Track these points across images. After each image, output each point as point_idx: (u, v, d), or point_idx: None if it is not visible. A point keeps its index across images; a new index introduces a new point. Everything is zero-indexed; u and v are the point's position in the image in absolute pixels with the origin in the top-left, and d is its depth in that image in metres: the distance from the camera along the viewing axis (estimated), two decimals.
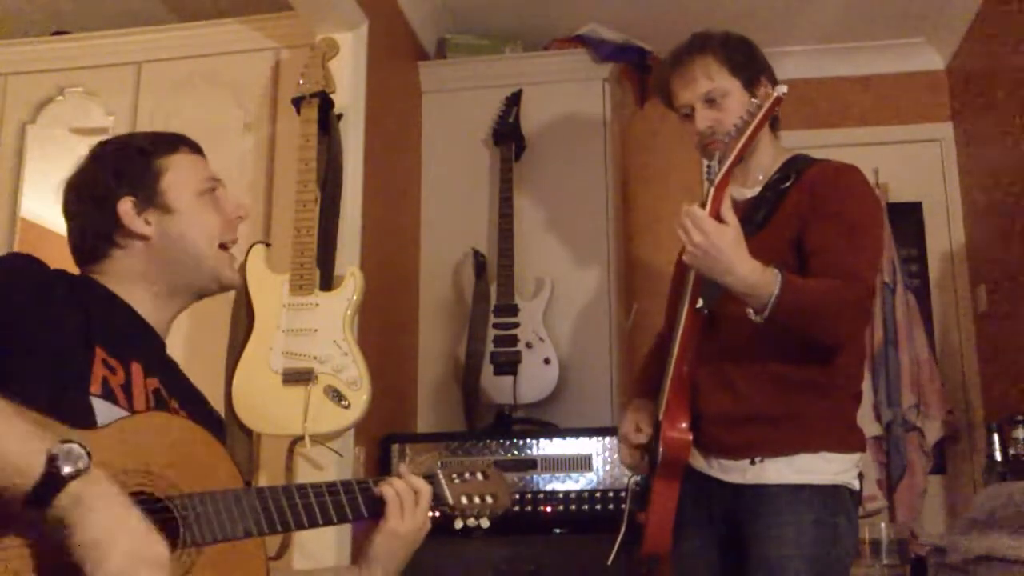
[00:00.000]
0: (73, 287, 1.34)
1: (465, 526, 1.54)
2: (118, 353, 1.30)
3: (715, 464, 1.87)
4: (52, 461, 1.02)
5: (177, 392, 1.41)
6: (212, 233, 1.46)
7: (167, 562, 1.08)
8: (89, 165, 1.46)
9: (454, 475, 1.54)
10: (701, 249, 1.65)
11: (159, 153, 1.46)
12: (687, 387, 1.83)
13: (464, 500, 1.53)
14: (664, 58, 2.05)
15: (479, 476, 1.56)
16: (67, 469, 1.03)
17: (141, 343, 1.39)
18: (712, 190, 1.69)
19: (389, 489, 1.44)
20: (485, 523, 1.55)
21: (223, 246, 1.48)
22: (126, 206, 1.40)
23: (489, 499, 1.55)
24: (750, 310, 1.69)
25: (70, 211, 1.45)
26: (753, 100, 1.75)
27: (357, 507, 1.41)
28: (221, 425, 1.52)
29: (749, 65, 1.95)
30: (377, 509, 1.44)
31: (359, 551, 1.50)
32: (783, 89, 1.67)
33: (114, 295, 1.39)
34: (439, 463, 1.55)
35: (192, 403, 1.45)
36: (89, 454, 1.05)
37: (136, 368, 1.32)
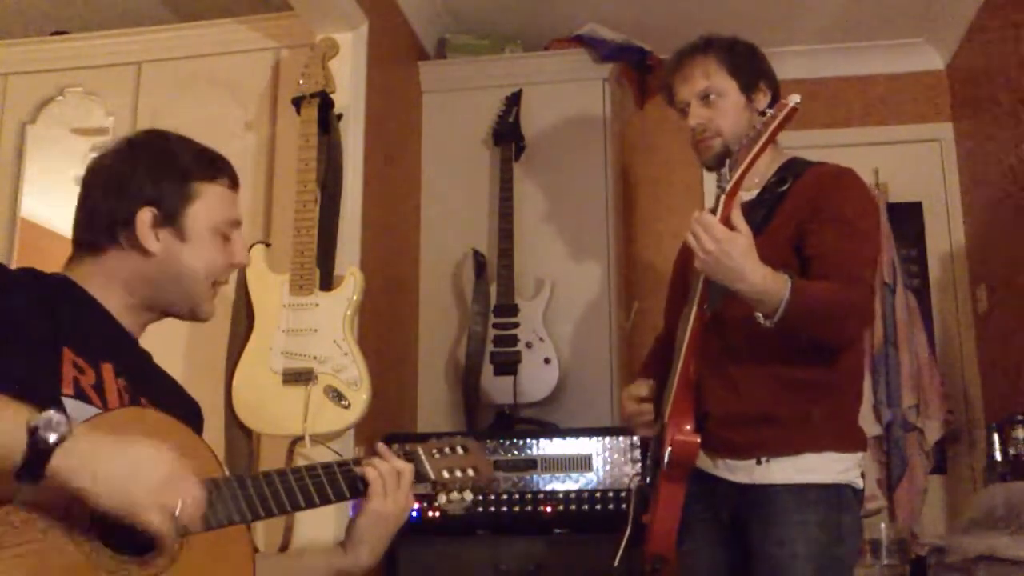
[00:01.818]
0: (40, 287, 1.32)
1: (449, 500, 1.54)
2: (87, 353, 1.29)
3: (721, 464, 1.87)
4: (33, 433, 1.03)
5: (148, 390, 1.39)
6: (212, 271, 1.45)
7: (179, 464, 1.14)
8: (130, 155, 1.43)
9: (434, 450, 1.54)
10: (713, 256, 1.65)
11: (199, 176, 1.43)
12: (693, 389, 1.84)
13: (446, 474, 1.53)
14: (670, 56, 2.07)
15: (459, 450, 1.56)
16: (52, 438, 1.04)
17: (112, 343, 1.38)
18: (723, 197, 1.70)
19: (372, 471, 1.43)
20: (468, 496, 1.55)
21: (214, 284, 1.47)
22: (145, 217, 1.38)
23: (471, 471, 1.55)
24: (759, 315, 1.70)
25: (90, 187, 1.42)
26: (768, 109, 1.76)
27: (339, 488, 1.41)
28: (199, 412, 1.52)
29: (749, 69, 1.97)
30: (358, 489, 1.43)
31: (345, 532, 1.50)
32: (796, 99, 1.67)
33: (87, 294, 1.38)
34: (405, 445, 1.54)
35: (166, 396, 1.44)
36: (68, 417, 1.06)
37: (107, 368, 1.32)
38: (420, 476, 1.50)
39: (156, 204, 1.39)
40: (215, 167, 1.46)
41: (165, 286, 1.42)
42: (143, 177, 1.39)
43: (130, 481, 1.08)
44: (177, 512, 1.11)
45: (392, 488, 1.44)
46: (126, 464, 1.09)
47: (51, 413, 1.05)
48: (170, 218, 1.40)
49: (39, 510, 1.10)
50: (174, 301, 1.44)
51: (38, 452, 1.03)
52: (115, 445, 1.11)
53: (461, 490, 1.54)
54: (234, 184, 1.49)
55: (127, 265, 1.40)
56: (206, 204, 1.43)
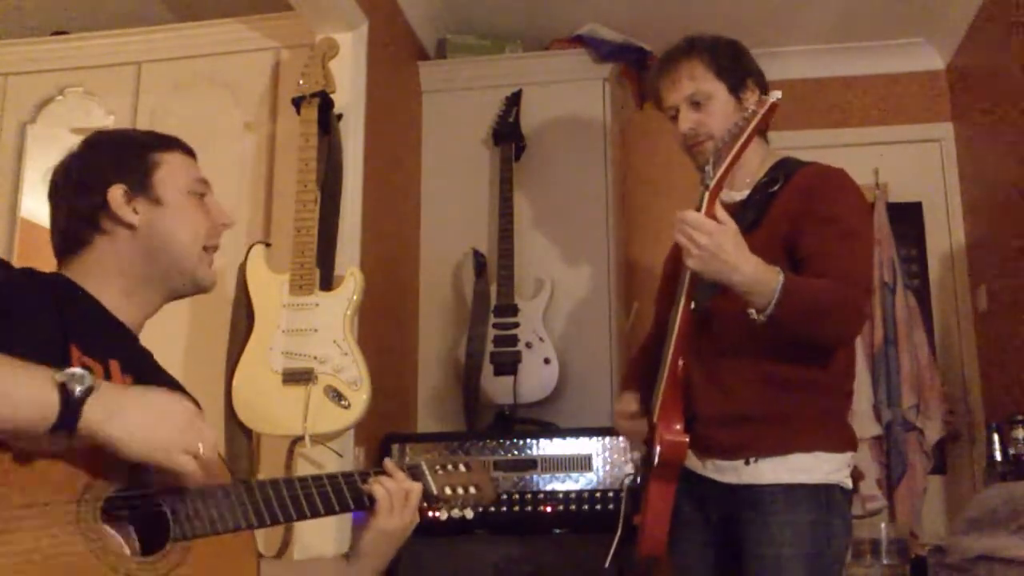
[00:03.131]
0: (44, 286, 1.33)
1: (450, 516, 1.58)
2: (95, 351, 1.30)
3: (710, 465, 1.87)
4: (64, 388, 1.08)
5: (154, 386, 1.40)
6: (198, 233, 1.47)
7: (195, 409, 1.21)
8: (83, 151, 1.46)
9: (438, 467, 1.56)
10: (707, 251, 1.65)
11: (155, 147, 1.47)
12: (682, 388, 1.84)
13: (448, 491, 1.55)
14: (656, 60, 2.07)
15: (462, 468, 1.59)
16: (79, 391, 1.08)
17: (116, 340, 1.39)
18: (707, 195, 1.70)
19: (380, 488, 1.46)
20: (469, 513, 1.58)
21: (206, 249, 1.49)
22: (117, 193, 1.41)
23: (473, 490, 1.57)
24: (752, 310, 1.69)
25: (58, 193, 1.45)
26: (749, 107, 1.76)
27: (344, 501, 1.43)
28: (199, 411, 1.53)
29: (735, 69, 1.97)
30: (363, 503, 1.46)
31: (350, 548, 1.52)
32: (777, 95, 1.68)
33: (86, 293, 1.39)
34: (421, 461, 1.57)
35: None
36: (91, 371, 1.11)
37: (114, 365, 1.33)
38: (424, 492, 1.53)
39: (123, 180, 1.42)
40: (165, 140, 1.50)
41: (159, 258, 1.43)
42: (103, 164, 1.43)
43: (156, 427, 1.14)
44: (200, 451, 1.17)
45: (399, 506, 1.47)
46: (151, 411, 1.15)
47: (75, 369, 1.10)
48: (141, 188, 1.43)
49: (50, 502, 1.11)
50: (170, 273, 1.45)
51: (70, 405, 1.07)
52: (138, 395, 1.17)
53: (462, 507, 1.57)
54: (189, 152, 1.52)
55: (116, 248, 1.41)
56: (170, 168, 1.46)
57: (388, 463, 1.50)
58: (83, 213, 1.41)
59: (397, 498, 1.47)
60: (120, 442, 1.11)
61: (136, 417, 1.13)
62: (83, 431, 1.09)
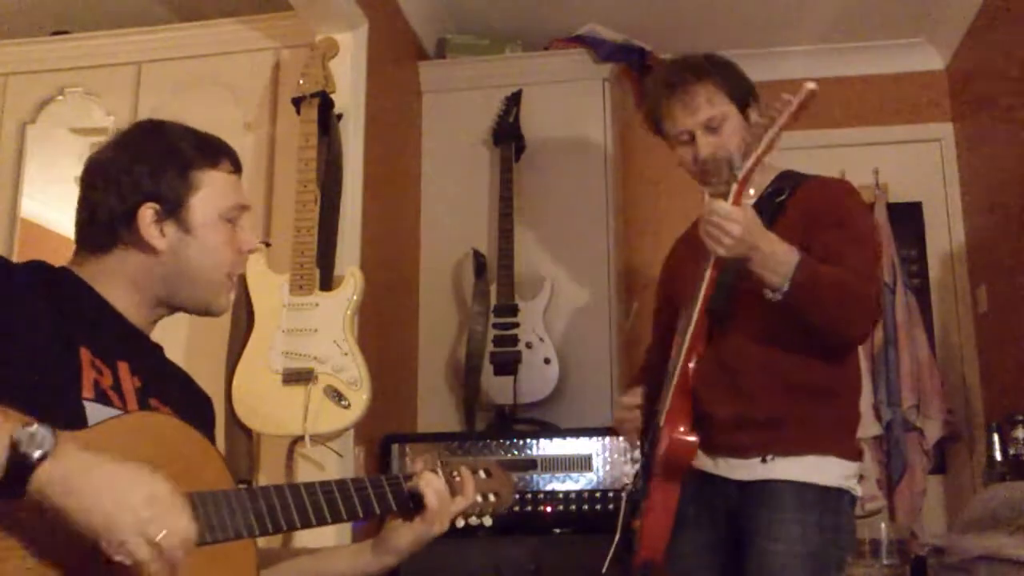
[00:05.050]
0: (47, 285, 1.29)
1: (467, 524, 1.53)
2: (103, 353, 1.26)
3: (722, 463, 1.87)
4: (15, 447, 0.97)
5: (161, 388, 1.36)
6: (222, 263, 1.41)
7: (171, 492, 1.05)
8: (127, 146, 1.39)
9: (455, 473, 1.50)
10: (739, 239, 1.67)
11: (200, 164, 1.38)
12: (691, 392, 1.84)
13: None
14: (653, 82, 2.08)
15: (482, 475, 1.53)
16: (36, 454, 0.98)
17: (125, 341, 1.35)
18: (735, 185, 1.71)
19: (432, 494, 1.42)
20: (488, 521, 1.53)
21: (228, 276, 1.43)
22: (147, 214, 1.34)
23: (492, 497, 1.52)
24: (767, 289, 1.70)
25: (91, 186, 1.37)
26: (783, 95, 1.73)
27: (369, 505, 1.38)
28: (210, 406, 1.50)
29: (741, 87, 1.99)
30: (407, 505, 1.42)
31: (378, 538, 1.49)
32: (812, 84, 1.67)
33: (94, 292, 1.34)
34: (439, 462, 1.52)
35: (178, 393, 1.41)
36: (55, 433, 1.00)
37: (123, 367, 1.29)
38: None
39: (157, 199, 1.34)
40: (215, 152, 1.42)
41: (175, 282, 1.38)
42: (141, 171, 1.35)
43: (111, 504, 1.01)
44: (158, 539, 1.02)
45: (444, 511, 1.44)
46: (109, 486, 1.02)
47: (35, 428, 0.99)
48: (173, 211, 1.35)
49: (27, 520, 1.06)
50: (183, 297, 1.40)
51: (19, 468, 0.97)
52: (101, 465, 1.03)
53: (480, 515, 1.52)
54: (236, 168, 1.45)
55: (133, 263, 1.36)
56: (209, 193, 1.38)
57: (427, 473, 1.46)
58: (107, 219, 1.34)
59: (444, 503, 1.43)
60: (70, 516, 0.99)
61: (90, 491, 1.00)
62: (31, 496, 0.98)
